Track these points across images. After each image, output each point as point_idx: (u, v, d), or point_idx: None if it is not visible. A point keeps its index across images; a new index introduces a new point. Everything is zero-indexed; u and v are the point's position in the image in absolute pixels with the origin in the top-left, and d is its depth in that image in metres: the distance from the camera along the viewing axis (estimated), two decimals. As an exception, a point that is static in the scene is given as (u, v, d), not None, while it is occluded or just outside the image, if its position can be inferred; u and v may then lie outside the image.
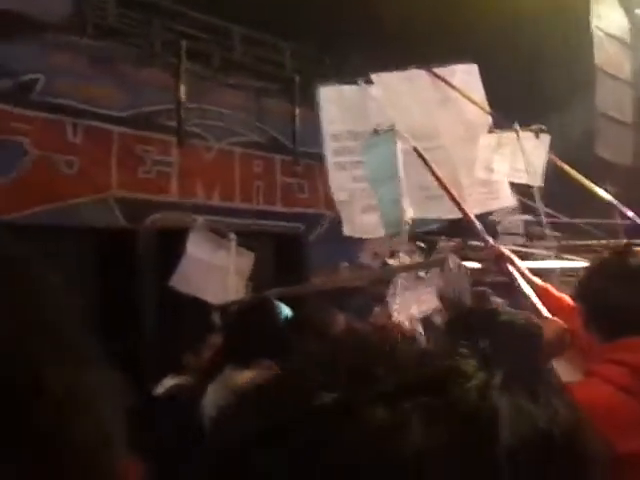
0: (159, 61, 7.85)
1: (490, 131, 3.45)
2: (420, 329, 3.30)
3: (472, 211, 3.70)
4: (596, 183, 4.07)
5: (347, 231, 4.51)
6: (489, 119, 3.58)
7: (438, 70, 3.58)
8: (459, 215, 3.71)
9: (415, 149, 3.21)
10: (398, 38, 8.76)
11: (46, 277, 0.65)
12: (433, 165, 3.12)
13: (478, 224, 2.68)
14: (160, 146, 7.61)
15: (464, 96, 3.46)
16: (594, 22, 8.73)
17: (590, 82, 8.42)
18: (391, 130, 3.46)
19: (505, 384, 0.53)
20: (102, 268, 3.97)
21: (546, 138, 3.55)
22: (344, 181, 4.33)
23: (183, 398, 3.28)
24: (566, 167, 3.68)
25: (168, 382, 3.52)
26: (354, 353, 0.57)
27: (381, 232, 4.41)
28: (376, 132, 3.59)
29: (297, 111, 8.47)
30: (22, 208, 6.41)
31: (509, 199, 3.86)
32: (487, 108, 3.58)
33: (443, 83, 3.51)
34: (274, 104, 8.88)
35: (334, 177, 4.41)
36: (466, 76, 3.59)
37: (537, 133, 3.47)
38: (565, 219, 5.02)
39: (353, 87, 4.34)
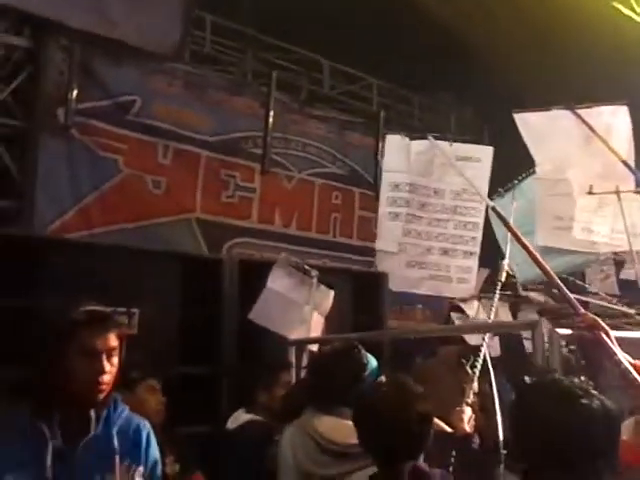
0: (249, 90, 8.06)
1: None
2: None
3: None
4: None
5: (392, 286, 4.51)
6: (631, 157, 3.52)
7: (583, 111, 3.55)
8: (587, 249, 3.69)
9: (493, 209, 3.17)
10: (487, 78, 8.71)
11: None
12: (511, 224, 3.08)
13: (567, 291, 2.59)
14: (244, 172, 7.77)
15: (600, 139, 3.40)
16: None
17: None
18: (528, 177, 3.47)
19: None
20: (185, 291, 4.07)
21: (652, 199, 3.45)
22: (396, 232, 4.33)
23: (255, 435, 3.30)
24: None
25: (241, 416, 3.53)
26: None
27: (422, 289, 4.40)
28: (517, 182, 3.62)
29: (380, 146, 8.49)
30: (109, 223, 6.64)
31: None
32: (629, 149, 3.52)
33: (589, 119, 3.50)
34: (357, 138, 8.96)
35: (385, 226, 4.41)
36: (612, 117, 3.56)
37: (642, 195, 3.37)
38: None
39: (422, 141, 4.35)
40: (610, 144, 3.42)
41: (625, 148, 3.49)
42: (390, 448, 2.15)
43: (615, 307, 4.41)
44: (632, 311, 4.28)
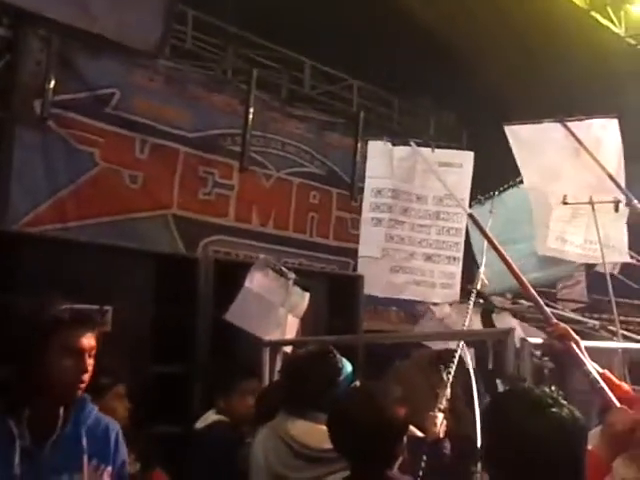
0: (229, 87, 8.02)
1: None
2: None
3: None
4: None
5: (371, 290, 4.52)
6: (621, 169, 3.55)
7: (573, 124, 3.57)
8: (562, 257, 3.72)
9: (470, 215, 3.21)
10: (467, 82, 8.76)
11: None
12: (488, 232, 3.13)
13: (541, 301, 2.61)
14: (222, 169, 7.72)
15: (588, 153, 3.42)
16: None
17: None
18: (515, 186, 3.50)
19: None
20: (159, 289, 4.05)
21: (625, 211, 3.48)
22: (379, 237, 4.36)
23: (221, 436, 3.30)
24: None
25: (210, 417, 3.53)
26: None
27: (407, 294, 4.42)
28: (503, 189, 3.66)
29: (359, 147, 8.52)
30: (84, 216, 6.56)
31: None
32: (618, 162, 3.55)
33: (579, 132, 3.53)
34: (337, 138, 8.96)
35: (368, 231, 4.44)
36: (602, 130, 3.59)
37: (616, 206, 3.39)
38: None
39: (404, 147, 4.39)
40: (599, 157, 3.45)
41: (614, 161, 3.53)
42: (364, 453, 2.16)
43: (579, 318, 4.47)
44: (596, 323, 4.33)
